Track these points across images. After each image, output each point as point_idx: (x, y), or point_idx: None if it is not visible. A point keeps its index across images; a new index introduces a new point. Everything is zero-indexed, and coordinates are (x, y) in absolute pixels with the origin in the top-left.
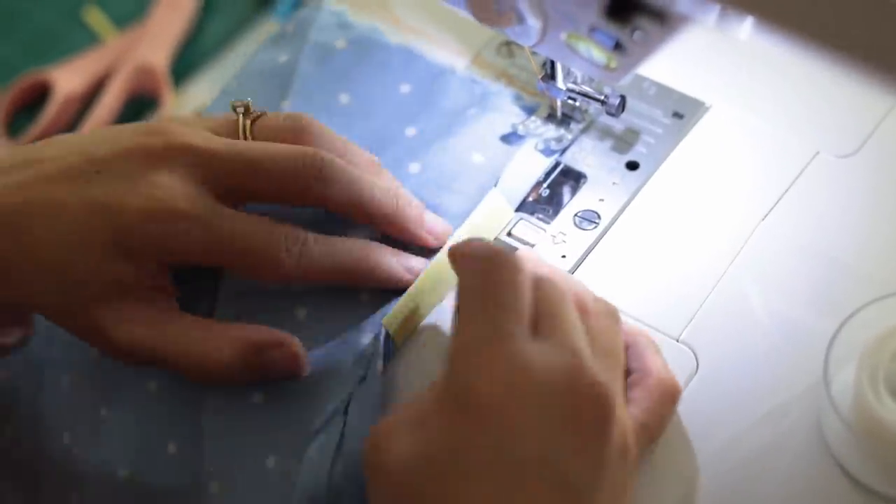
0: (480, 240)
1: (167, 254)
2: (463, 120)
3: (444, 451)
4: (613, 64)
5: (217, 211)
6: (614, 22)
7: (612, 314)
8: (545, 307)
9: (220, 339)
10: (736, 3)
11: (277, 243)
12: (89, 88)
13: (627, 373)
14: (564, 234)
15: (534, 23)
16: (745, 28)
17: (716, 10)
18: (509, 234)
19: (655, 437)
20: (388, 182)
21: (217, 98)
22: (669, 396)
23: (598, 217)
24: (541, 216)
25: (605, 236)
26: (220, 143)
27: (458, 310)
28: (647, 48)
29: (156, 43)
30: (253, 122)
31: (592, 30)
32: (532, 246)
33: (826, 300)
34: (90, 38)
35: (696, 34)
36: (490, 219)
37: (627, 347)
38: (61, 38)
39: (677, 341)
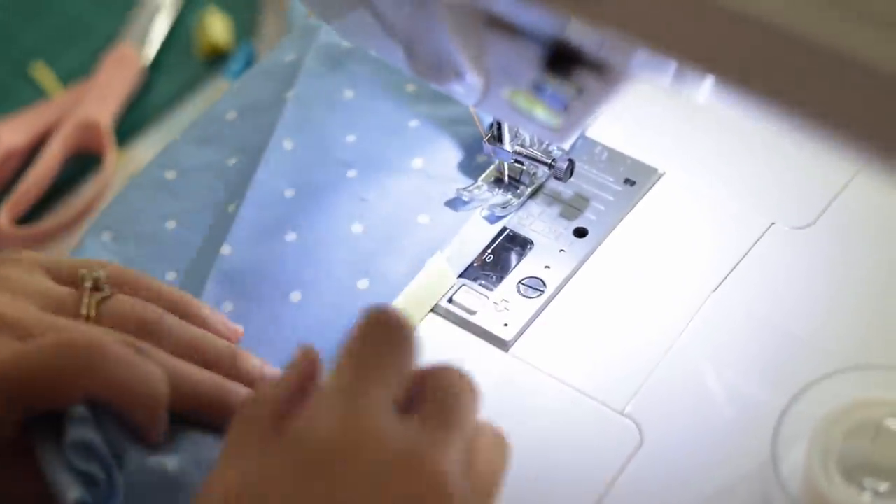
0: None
1: None
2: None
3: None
4: (558, 122)
5: None
6: (555, 76)
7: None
8: (435, 396)
9: None
10: (694, 62)
11: None
12: (32, 143)
13: None
14: (507, 302)
15: (474, 80)
16: (704, 89)
17: (672, 69)
18: (450, 300)
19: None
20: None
21: (221, 98)
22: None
23: (544, 285)
24: (484, 283)
25: (550, 304)
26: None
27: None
28: (592, 105)
29: (101, 99)
30: (99, 303)
31: (534, 86)
32: (474, 313)
33: (778, 374)
34: (37, 94)
35: (650, 99)
36: (432, 284)
37: None
38: (7, 93)
39: (621, 414)
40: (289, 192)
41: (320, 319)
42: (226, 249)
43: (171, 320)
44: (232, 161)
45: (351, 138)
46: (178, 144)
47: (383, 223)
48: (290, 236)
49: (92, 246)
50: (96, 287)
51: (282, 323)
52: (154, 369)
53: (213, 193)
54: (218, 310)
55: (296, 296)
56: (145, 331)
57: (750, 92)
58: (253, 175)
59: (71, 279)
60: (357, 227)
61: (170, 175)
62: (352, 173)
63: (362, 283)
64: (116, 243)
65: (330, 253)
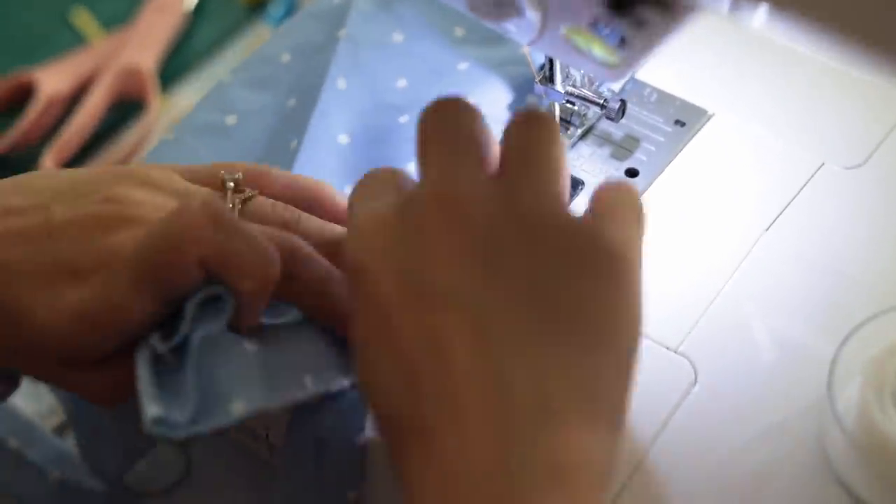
0: None
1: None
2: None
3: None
4: (615, 60)
5: None
6: (617, 13)
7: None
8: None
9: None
10: None
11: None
12: (74, 90)
13: None
14: None
15: (532, 16)
16: (759, 16)
17: None
18: None
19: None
20: None
21: (269, 40)
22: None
23: None
24: None
25: None
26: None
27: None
28: (651, 41)
29: (143, 45)
30: (244, 202)
31: (594, 23)
32: None
33: (830, 314)
34: (77, 40)
35: (699, 39)
36: None
37: None
38: (48, 40)
39: (675, 352)
40: (343, 139)
41: None
42: None
43: (310, 221)
44: (291, 103)
45: (402, 83)
46: (230, 87)
47: None
48: (348, 190)
49: None
50: (238, 188)
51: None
52: (268, 245)
53: (274, 135)
54: None
55: None
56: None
57: (805, 17)
58: (310, 116)
59: (210, 182)
60: (412, 168)
61: (230, 120)
62: (404, 119)
63: None
64: None
65: None
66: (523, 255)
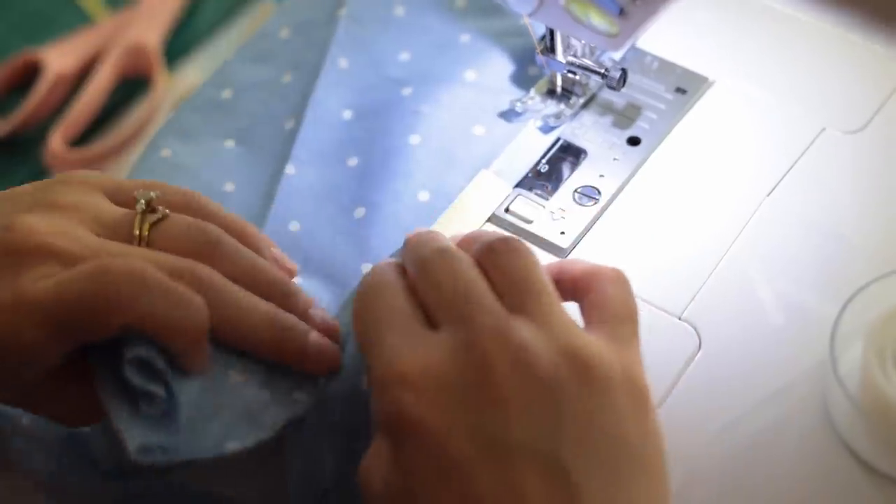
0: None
1: None
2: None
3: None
4: (615, 29)
5: None
6: None
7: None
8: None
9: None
10: None
11: None
12: (81, 68)
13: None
14: (564, 211)
15: None
16: None
17: None
18: (507, 210)
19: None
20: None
21: (270, 17)
22: (619, 280)
23: (599, 193)
24: (539, 192)
25: (606, 213)
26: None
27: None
28: (650, 9)
29: (149, 23)
30: (153, 224)
31: None
32: (530, 222)
33: (832, 277)
34: (83, 19)
35: (698, 7)
36: (483, 196)
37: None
38: (53, 19)
39: (679, 319)
40: (347, 114)
41: (384, 235)
42: (290, 169)
43: (228, 243)
44: (287, 78)
45: (404, 56)
46: (231, 64)
47: (439, 135)
48: (352, 161)
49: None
50: (151, 209)
51: (347, 238)
52: (193, 297)
53: (270, 110)
54: (286, 229)
55: (360, 211)
56: (201, 253)
57: None
58: (310, 93)
59: (128, 201)
60: (415, 139)
61: (226, 94)
62: (407, 91)
63: (423, 196)
64: (175, 160)
65: (389, 169)
66: (582, 397)
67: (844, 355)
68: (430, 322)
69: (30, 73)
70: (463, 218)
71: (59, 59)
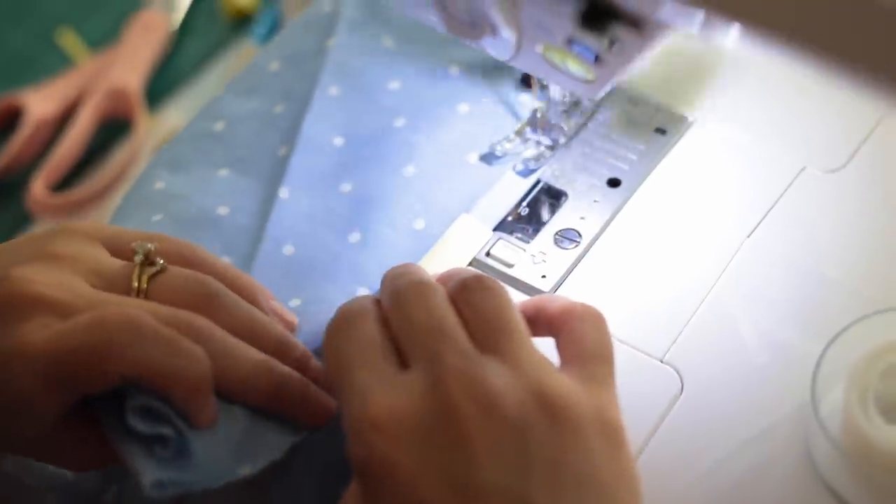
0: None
1: None
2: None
3: None
4: (591, 76)
5: None
6: (590, 31)
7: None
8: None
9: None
10: (721, 10)
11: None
12: (62, 112)
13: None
14: (545, 254)
15: (508, 35)
16: (731, 36)
17: (699, 18)
18: (488, 254)
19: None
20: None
21: (260, 53)
22: (595, 319)
23: (579, 236)
24: (520, 235)
25: (587, 255)
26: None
27: None
28: (625, 58)
29: (129, 65)
30: (152, 276)
31: (569, 41)
32: (511, 266)
33: (814, 318)
34: (64, 61)
35: (678, 47)
36: (462, 240)
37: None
38: (35, 61)
39: (661, 361)
40: (338, 141)
41: (380, 260)
42: (284, 193)
43: (227, 296)
44: (279, 108)
45: (394, 85)
46: (222, 98)
47: (435, 165)
48: (346, 187)
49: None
50: (149, 261)
51: (342, 262)
52: (194, 348)
53: (263, 139)
54: (280, 252)
55: (354, 236)
56: (199, 305)
57: (776, 37)
58: (301, 122)
59: (127, 252)
60: (409, 169)
61: (218, 126)
62: (399, 122)
63: (418, 224)
64: (168, 190)
65: (384, 197)
66: (550, 437)
67: (827, 396)
68: (402, 357)
69: (11, 118)
70: (444, 262)
71: (40, 103)
